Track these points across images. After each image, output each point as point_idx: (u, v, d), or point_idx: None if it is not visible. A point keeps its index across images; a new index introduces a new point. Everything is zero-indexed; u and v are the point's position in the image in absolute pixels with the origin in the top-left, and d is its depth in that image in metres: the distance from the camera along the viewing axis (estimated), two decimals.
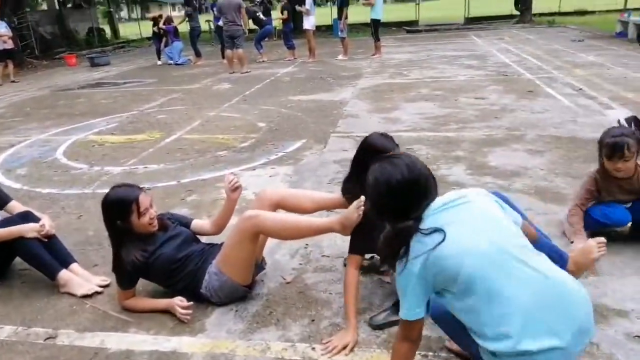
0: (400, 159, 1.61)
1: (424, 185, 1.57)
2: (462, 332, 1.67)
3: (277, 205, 2.53)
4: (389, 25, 19.54)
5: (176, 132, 5.91)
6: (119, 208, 2.31)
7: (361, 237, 2.23)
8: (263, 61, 12.34)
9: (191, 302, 2.33)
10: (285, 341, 2.15)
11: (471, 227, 1.52)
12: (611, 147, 2.54)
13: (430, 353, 2.03)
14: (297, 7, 11.90)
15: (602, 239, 2.08)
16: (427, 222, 1.53)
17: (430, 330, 2.06)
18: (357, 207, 2.13)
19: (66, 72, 13.10)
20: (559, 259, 2.06)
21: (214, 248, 2.51)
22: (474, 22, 20.68)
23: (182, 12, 14.39)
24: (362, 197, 2.16)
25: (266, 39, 14.34)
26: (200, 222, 2.73)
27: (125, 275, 2.38)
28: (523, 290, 1.48)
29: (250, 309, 2.40)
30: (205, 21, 17.96)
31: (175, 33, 13.22)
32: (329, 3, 29.75)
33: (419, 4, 22.80)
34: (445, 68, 9.44)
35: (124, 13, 43.64)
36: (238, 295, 2.42)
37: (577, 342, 1.49)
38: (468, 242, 1.49)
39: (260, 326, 2.27)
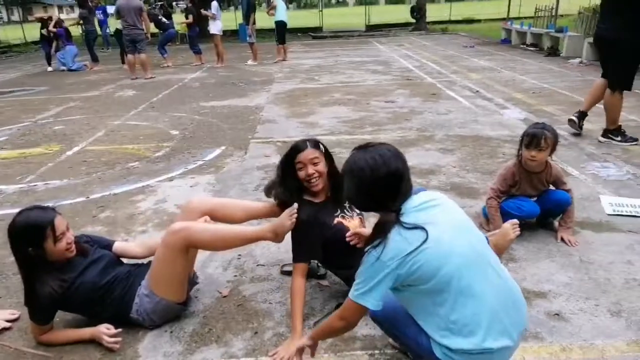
0: (385, 150, 1.61)
1: (407, 178, 1.59)
2: (406, 329, 1.71)
3: (205, 216, 2.40)
4: (294, 31, 19.76)
5: (78, 144, 5.45)
6: (31, 234, 2.04)
7: (303, 245, 2.20)
8: (168, 66, 11.84)
9: (119, 329, 2.15)
10: (229, 358, 2.06)
11: (450, 229, 1.57)
12: (531, 136, 2.76)
13: (377, 351, 2.05)
14: (203, 11, 11.60)
15: (515, 221, 2.22)
16: (406, 218, 1.55)
17: (375, 329, 2.09)
18: (289, 215, 2.11)
19: None
20: None
21: (141, 268, 2.32)
22: (374, 29, 21.60)
23: (71, 15, 13.34)
24: (295, 205, 2.14)
25: (169, 44, 13.80)
26: (123, 245, 2.49)
27: (41, 309, 2.11)
28: (491, 292, 1.56)
29: (187, 328, 2.27)
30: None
31: (68, 36, 12.20)
32: (231, 8, 29.40)
33: (322, 10, 23.32)
34: (353, 73, 9.72)
35: (2, 15, 39.52)
36: (173, 314, 2.27)
37: (519, 340, 1.63)
38: (450, 243, 1.53)
39: (200, 345, 2.15)
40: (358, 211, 2.38)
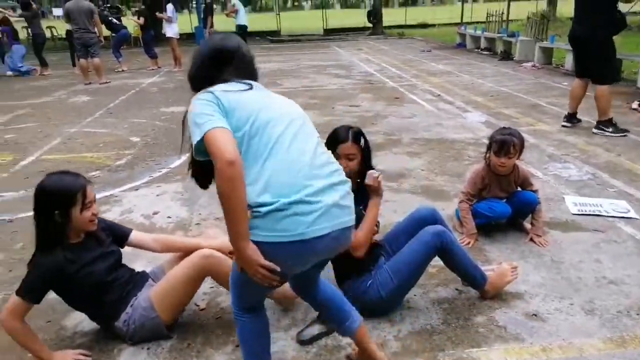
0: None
1: (241, 60, 1.73)
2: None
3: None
4: (252, 34, 19.60)
5: (33, 153, 5.18)
6: (61, 196, 1.95)
7: None
8: (123, 70, 11.48)
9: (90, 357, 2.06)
10: None
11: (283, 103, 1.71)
12: (500, 143, 2.84)
13: None
14: (158, 14, 11.31)
15: (515, 264, 2.43)
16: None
17: None
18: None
19: None
20: (480, 278, 2.34)
21: (140, 278, 2.23)
22: (332, 33, 21.76)
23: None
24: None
25: (123, 47, 13.37)
26: (141, 236, 2.37)
27: (39, 280, 1.97)
28: (296, 152, 1.55)
29: (165, 344, 2.17)
30: (46, 27, 16.06)
31: (15, 35, 11.55)
32: (185, 10, 28.88)
33: (279, 14, 23.29)
34: (315, 77, 9.74)
35: None
36: (156, 336, 2.17)
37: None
38: (275, 104, 1.65)
39: None
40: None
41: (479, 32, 13.66)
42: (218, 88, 1.61)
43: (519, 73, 9.38)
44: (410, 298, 2.43)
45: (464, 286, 2.47)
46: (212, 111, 1.53)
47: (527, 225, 3.06)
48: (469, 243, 2.90)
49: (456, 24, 18.64)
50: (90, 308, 2.14)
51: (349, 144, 2.18)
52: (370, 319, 2.27)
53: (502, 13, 13.43)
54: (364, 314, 2.28)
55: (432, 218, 2.40)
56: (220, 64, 1.69)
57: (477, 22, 16.76)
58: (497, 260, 2.75)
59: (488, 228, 3.06)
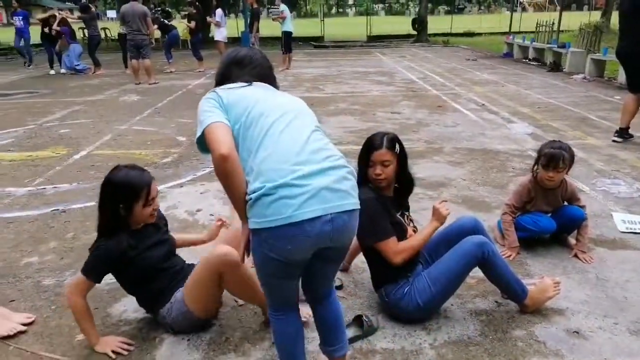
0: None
1: (248, 66, 1.84)
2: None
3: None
4: (296, 39, 19.82)
5: (85, 148, 5.43)
6: (127, 191, 2.07)
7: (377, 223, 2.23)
8: (171, 72, 11.86)
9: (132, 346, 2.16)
10: None
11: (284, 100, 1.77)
12: (549, 157, 2.77)
13: None
14: (208, 19, 11.65)
15: (558, 280, 2.38)
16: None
17: (394, 342, 2.07)
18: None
19: None
20: (521, 292, 2.31)
21: (189, 271, 2.28)
22: (375, 40, 21.74)
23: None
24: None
25: (172, 49, 13.82)
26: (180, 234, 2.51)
27: (100, 261, 2.08)
28: (286, 141, 1.60)
29: (204, 336, 2.25)
30: (100, 29, 16.80)
31: (72, 35, 12.13)
32: (232, 15, 29.55)
33: (323, 20, 23.47)
34: (357, 83, 9.77)
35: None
36: (194, 327, 2.25)
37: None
38: (271, 98, 1.72)
39: (218, 354, 2.13)
40: (413, 223, 2.40)
41: (527, 42, 13.34)
42: (222, 87, 1.76)
43: (569, 85, 9.09)
44: (448, 308, 2.41)
45: (504, 299, 2.44)
46: (212, 107, 1.66)
47: (572, 240, 2.98)
48: (510, 256, 2.84)
49: (503, 33, 18.25)
50: (142, 293, 2.23)
51: (383, 150, 2.19)
52: (405, 326, 2.27)
53: (553, 23, 13.08)
54: (400, 320, 2.30)
55: (474, 228, 2.38)
56: (233, 68, 1.84)
57: (526, 32, 16.37)
58: (539, 274, 2.68)
59: (530, 242, 2.99)
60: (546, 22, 13.27)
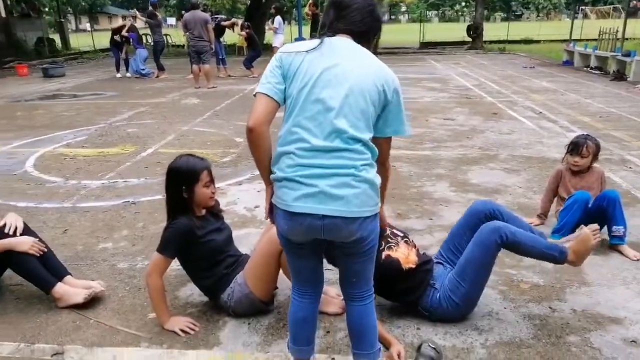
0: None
1: (345, 9, 1.74)
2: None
3: None
4: None
5: (151, 146, 5.78)
6: (188, 174, 2.28)
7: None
8: (229, 76, 12.30)
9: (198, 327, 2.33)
10: None
11: (350, 66, 1.67)
12: (574, 144, 3.21)
13: None
14: (268, 25, 12.02)
15: (595, 226, 2.31)
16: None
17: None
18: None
19: (18, 83, 12.48)
20: (558, 254, 2.27)
21: (246, 260, 2.47)
22: (428, 47, 21.57)
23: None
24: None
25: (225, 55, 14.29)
26: None
27: (174, 239, 2.27)
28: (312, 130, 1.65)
29: (263, 321, 2.39)
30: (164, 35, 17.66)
31: (139, 40, 12.86)
32: (285, 22, 30.17)
33: None
34: (409, 89, 9.76)
35: (70, 24, 42.24)
36: (255, 310, 2.41)
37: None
38: (329, 76, 1.64)
39: (276, 338, 2.27)
40: (402, 235, 2.43)
41: (589, 50, 12.85)
42: (291, 46, 1.74)
43: (633, 95, 8.71)
44: (500, 310, 2.44)
45: (557, 303, 2.43)
46: (271, 72, 1.70)
47: (631, 251, 2.93)
48: (536, 223, 3.31)
49: (563, 41, 17.64)
50: (207, 277, 2.40)
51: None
52: (457, 325, 2.32)
53: (617, 31, 12.54)
54: (446, 322, 2.33)
55: (486, 208, 2.45)
56: (332, 12, 1.77)
57: (587, 40, 15.76)
58: (598, 284, 2.66)
59: None
60: (610, 29, 12.74)
